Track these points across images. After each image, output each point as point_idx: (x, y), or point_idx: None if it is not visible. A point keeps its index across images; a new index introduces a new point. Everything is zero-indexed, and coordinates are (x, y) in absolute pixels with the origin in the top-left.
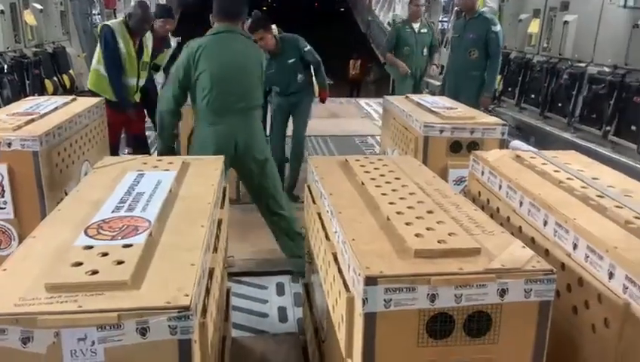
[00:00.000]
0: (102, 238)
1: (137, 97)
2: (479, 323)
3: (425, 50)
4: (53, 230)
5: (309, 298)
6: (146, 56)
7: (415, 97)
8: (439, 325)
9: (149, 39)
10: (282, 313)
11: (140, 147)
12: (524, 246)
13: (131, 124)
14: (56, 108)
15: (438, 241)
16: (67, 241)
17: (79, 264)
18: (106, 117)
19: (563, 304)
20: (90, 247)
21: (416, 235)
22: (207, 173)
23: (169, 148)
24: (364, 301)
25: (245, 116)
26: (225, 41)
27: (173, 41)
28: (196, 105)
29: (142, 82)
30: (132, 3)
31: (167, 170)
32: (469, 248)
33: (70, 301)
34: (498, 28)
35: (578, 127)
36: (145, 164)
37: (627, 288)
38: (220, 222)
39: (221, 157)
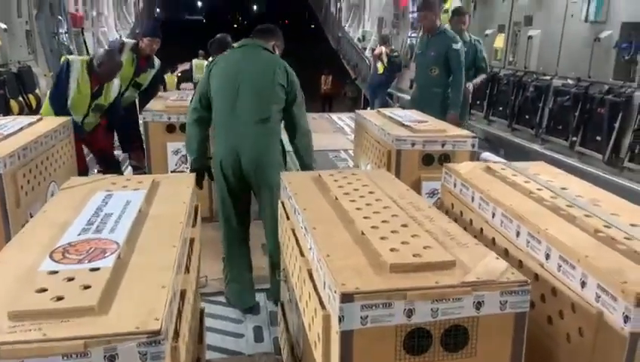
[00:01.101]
0: (68, 262)
1: (88, 128)
2: (456, 337)
3: None
4: (17, 255)
5: (285, 316)
6: (104, 100)
7: (387, 111)
8: (417, 341)
9: (112, 85)
10: (258, 332)
11: (109, 165)
12: (498, 258)
13: (94, 142)
14: (21, 129)
15: (414, 255)
16: (31, 266)
17: (44, 290)
18: None
19: (538, 314)
20: (56, 272)
21: (392, 249)
22: (178, 191)
23: (197, 162)
24: (341, 318)
25: (252, 129)
26: (240, 53)
27: (157, 61)
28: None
29: (89, 120)
30: (101, 50)
31: (137, 189)
32: (444, 261)
33: (34, 329)
34: (458, 45)
35: (546, 139)
36: (114, 183)
37: (599, 297)
38: (191, 242)
39: (192, 175)
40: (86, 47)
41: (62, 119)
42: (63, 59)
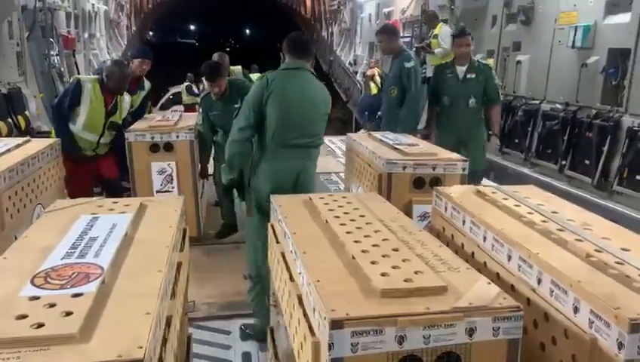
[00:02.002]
0: (50, 288)
1: (103, 150)
2: None
3: (472, 101)
4: None
5: (275, 342)
6: (118, 117)
7: (378, 134)
8: None
9: (123, 101)
10: (247, 359)
11: (115, 192)
12: (489, 283)
13: (103, 169)
14: (8, 150)
15: (405, 280)
16: (12, 292)
17: (24, 316)
18: (73, 168)
19: (531, 340)
20: (37, 298)
21: (382, 274)
22: (166, 214)
23: (233, 181)
24: (330, 345)
25: (306, 153)
26: (295, 76)
27: (147, 84)
28: (260, 139)
29: (105, 139)
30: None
31: (124, 212)
32: (435, 286)
33: (12, 358)
34: (410, 64)
35: (535, 162)
36: (100, 206)
37: (593, 323)
38: (179, 266)
39: (181, 198)
40: (77, 69)
41: (50, 141)
42: (73, 78)
